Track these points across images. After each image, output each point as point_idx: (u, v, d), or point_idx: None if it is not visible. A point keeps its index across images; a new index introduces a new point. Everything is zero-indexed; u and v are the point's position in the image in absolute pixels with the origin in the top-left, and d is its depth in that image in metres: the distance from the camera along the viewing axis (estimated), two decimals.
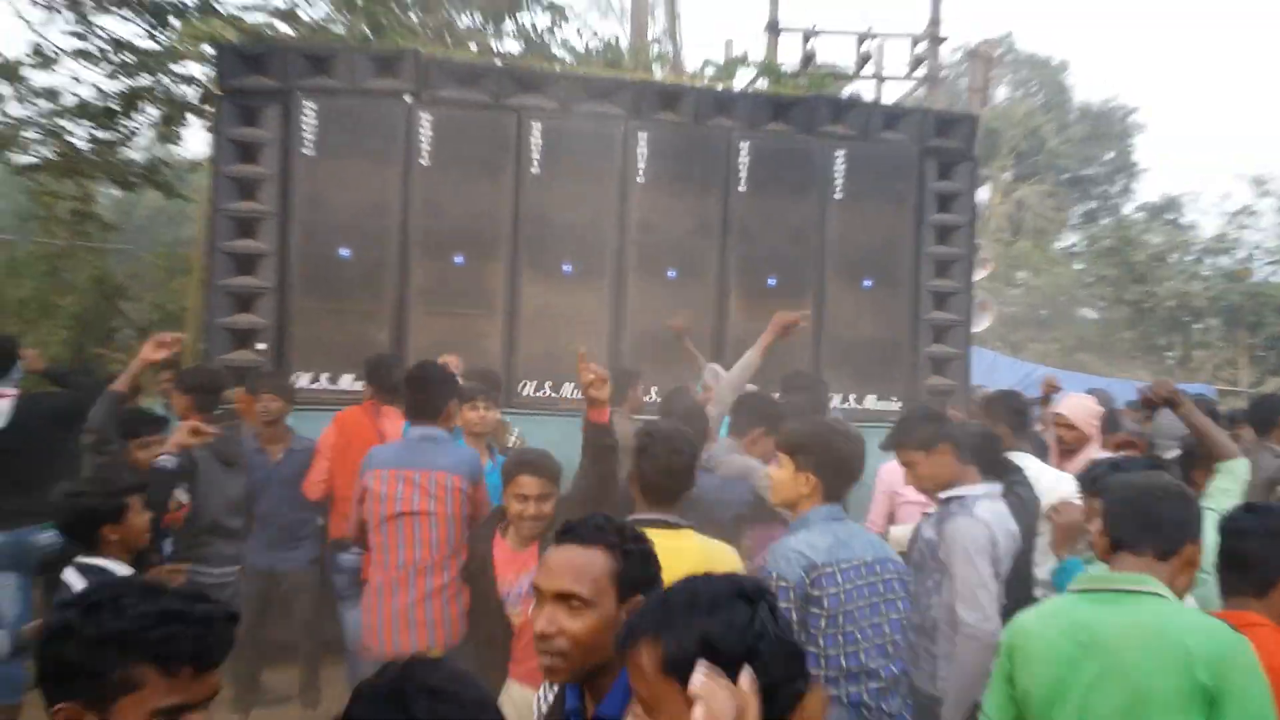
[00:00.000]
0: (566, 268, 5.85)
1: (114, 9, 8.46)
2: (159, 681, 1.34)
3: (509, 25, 9.47)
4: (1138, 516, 2.11)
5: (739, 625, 1.32)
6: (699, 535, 2.68)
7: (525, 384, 5.73)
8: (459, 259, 5.72)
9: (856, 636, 2.51)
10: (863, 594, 2.55)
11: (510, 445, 4.82)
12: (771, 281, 6.11)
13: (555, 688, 1.84)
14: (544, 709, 1.87)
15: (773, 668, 1.30)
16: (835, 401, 5.94)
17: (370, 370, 4.92)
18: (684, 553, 2.48)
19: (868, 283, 6.26)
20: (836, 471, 2.66)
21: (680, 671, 1.28)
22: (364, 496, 3.60)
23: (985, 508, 3.07)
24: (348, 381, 5.57)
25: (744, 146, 6.07)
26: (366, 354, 5.54)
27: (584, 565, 1.70)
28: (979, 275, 8.31)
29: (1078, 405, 4.52)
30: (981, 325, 9.91)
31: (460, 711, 1.28)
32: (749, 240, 6.07)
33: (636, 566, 1.74)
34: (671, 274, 5.97)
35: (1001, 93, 27.93)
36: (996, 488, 3.24)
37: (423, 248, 5.69)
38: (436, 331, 5.68)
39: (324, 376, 5.55)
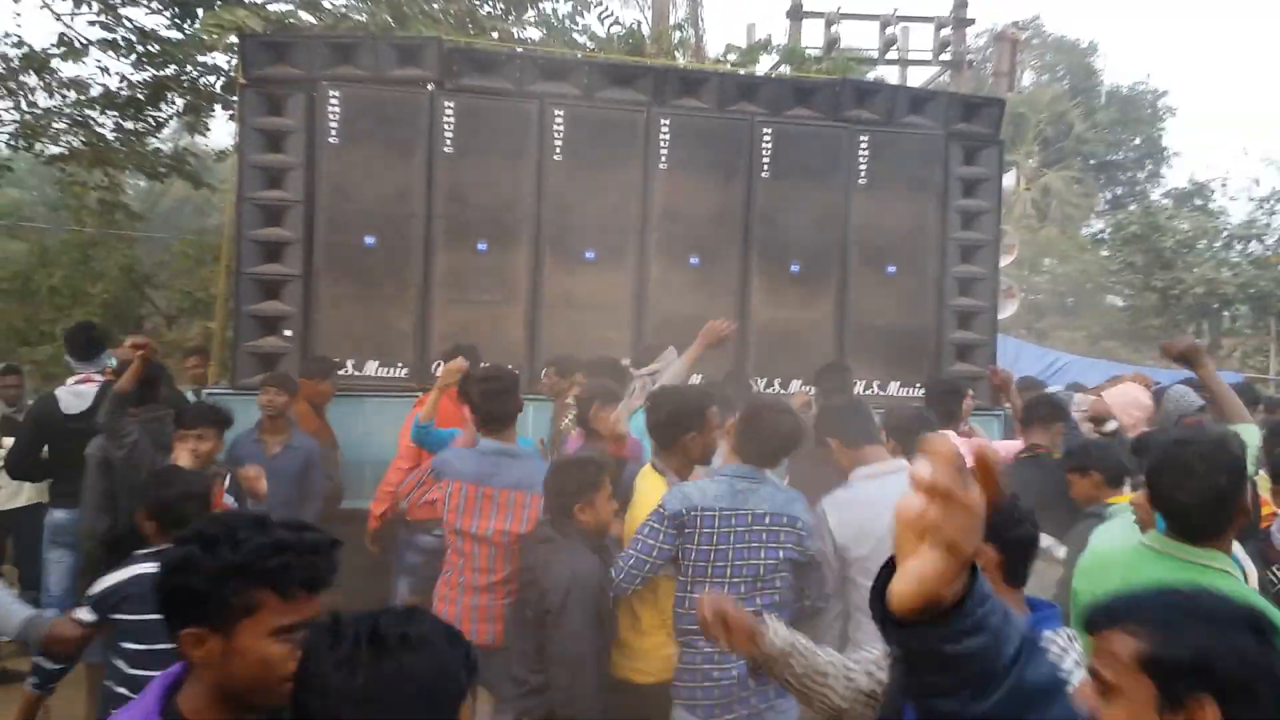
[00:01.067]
0: (589, 254, 5.85)
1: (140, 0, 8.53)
2: (276, 604, 1.46)
3: (530, 13, 9.47)
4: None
5: (1244, 653, 1.24)
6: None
7: (548, 370, 5.74)
8: (482, 246, 5.74)
9: (726, 571, 3.04)
10: (741, 539, 3.06)
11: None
12: (795, 268, 6.08)
13: None
14: None
15: (1265, 707, 1.23)
16: (859, 388, 5.92)
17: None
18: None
19: (892, 269, 6.22)
20: (754, 439, 3.15)
21: (1159, 673, 1.25)
22: (435, 498, 3.70)
23: (857, 488, 3.39)
24: (373, 368, 5.62)
25: (767, 132, 6.04)
26: (391, 340, 5.61)
27: None
28: (1004, 261, 8.24)
29: (1119, 394, 4.49)
30: (1007, 312, 9.85)
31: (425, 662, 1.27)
32: (772, 226, 6.05)
33: None
34: (694, 260, 5.96)
35: (1028, 77, 27.60)
36: (895, 465, 3.42)
37: (446, 235, 5.72)
38: (460, 318, 5.72)
39: (349, 363, 5.59)
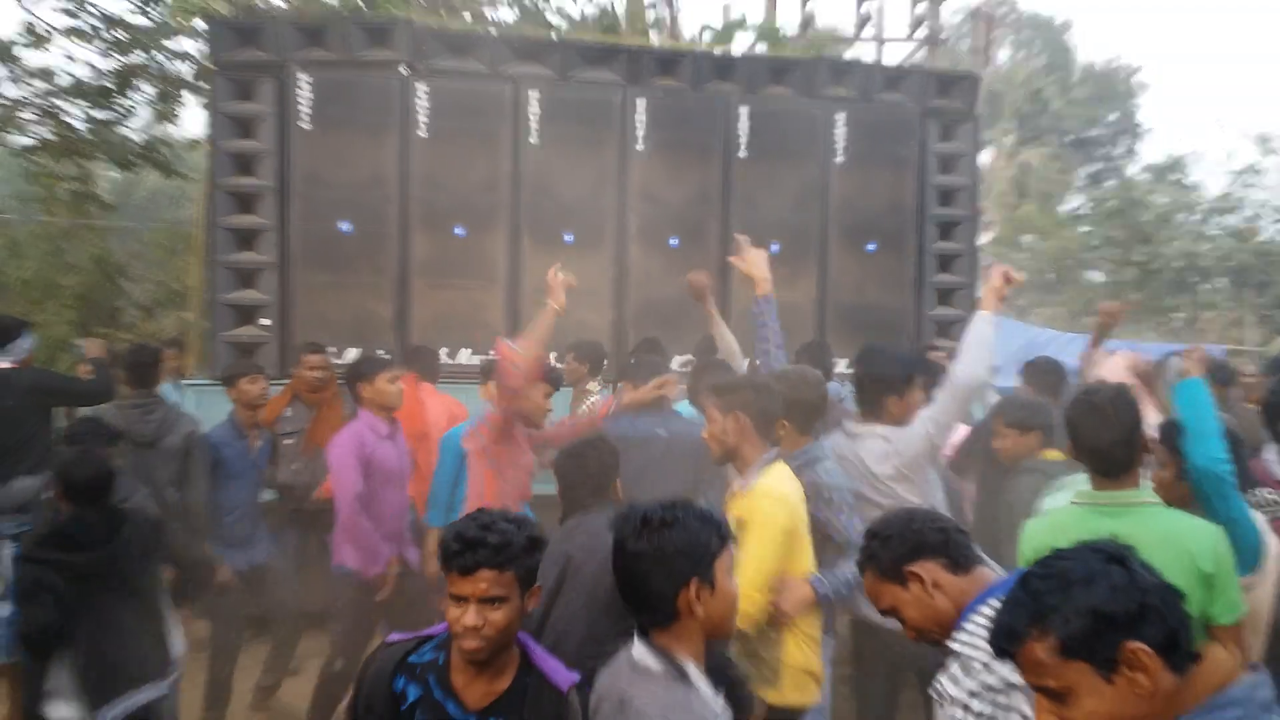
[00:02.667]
0: (568, 237, 5.82)
1: None
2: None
3: None
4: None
5: (1123, 586, 1.32)
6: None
7: (569, 357, 5.72)
8: (459, 230, 5.70)
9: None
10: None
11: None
12: (775, 247, 6.04)
13: None
14: None
15: (1169, 616, 1.31)
16: (840, 366, 5.92)
17: (410, 357, 5.07)
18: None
19: (871, 246, 6.22)
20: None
21: (1083, 651, 1.31)
22: None
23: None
24: (352, 355, 5.56)
25: (744, 111, 6.01)
26: (370, 327, 5.56)
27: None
28: (983, 238, 8.26)
29: (1112, 366, 4.51)
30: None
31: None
32: (751, 206, 6.03)
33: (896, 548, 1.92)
34: (673, 242, 5.93)
35: (1004, 54, 27.63)
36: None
37: (423, 220, 5.67)
38: (439, 304, 5.68)
39: (328, 350, 5.53)
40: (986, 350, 3.38)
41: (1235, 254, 17.91)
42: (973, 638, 1.78)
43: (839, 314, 6.14)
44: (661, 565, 1.82)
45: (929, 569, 1.85)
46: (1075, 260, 20.86)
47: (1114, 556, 1.36)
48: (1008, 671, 1.67)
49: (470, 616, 1.83)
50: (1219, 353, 10.66)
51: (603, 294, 5.85)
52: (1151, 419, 3.99)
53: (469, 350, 5.67)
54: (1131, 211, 19.39)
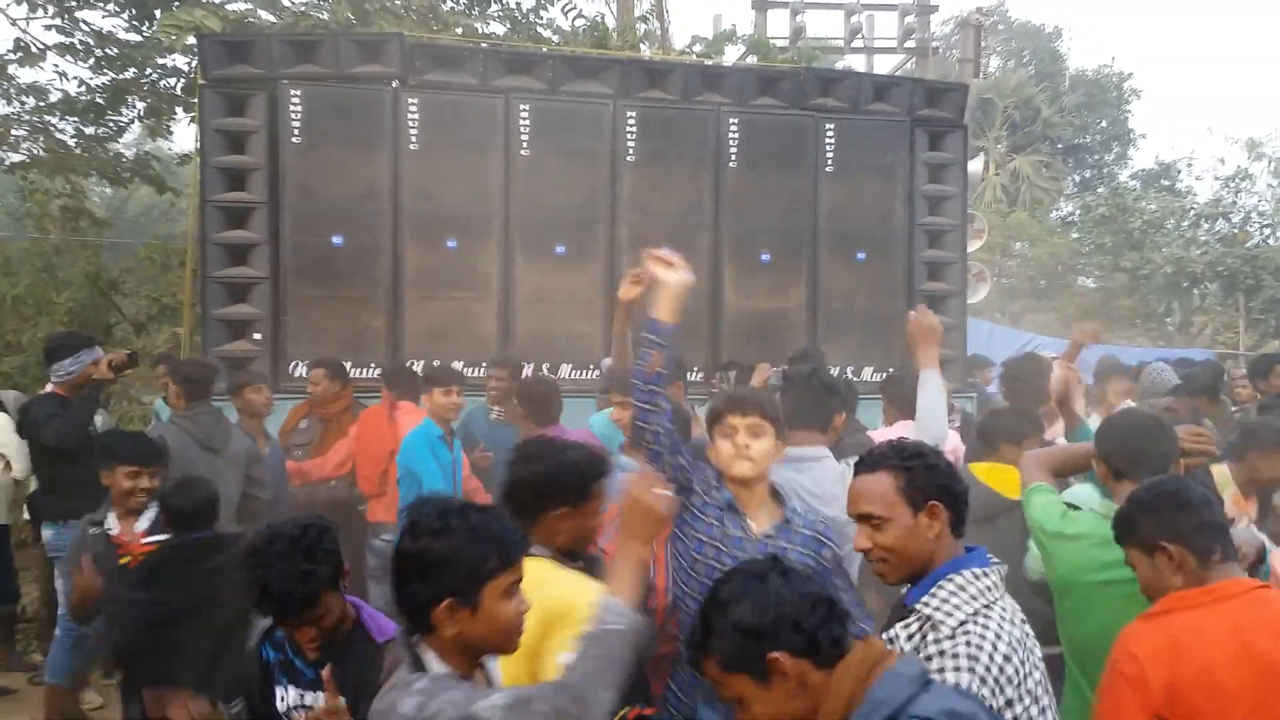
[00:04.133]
0: (559, 249, 5.84)
1: (96, 2, 8.40)
2: (504, 570, 1.74)
3: (494, 7, 9.41)
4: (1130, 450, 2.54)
5: (761, 602, 1.52)
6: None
7: (521, 366, 5.72)
8: (451, 243, 5.72)
9: None
10: None
11: None
12: (765, 257, 6.10)
13: None
14: None
15: (805, 621, 1.50)
16: (832, 374, 5.93)
17: (389, 378, 5.18)
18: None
19: (861, 255, 6.25)
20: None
21: (739, 665, 1.52)
22: None
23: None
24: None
25: (733, 122, 6.05)
26: (361, 340, 5.57)
27: (874, 490, 1.94)
28: (973, 245, 8.30)
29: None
30: (978, 296, 9.91)
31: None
32: (741, 216, 6.06)
33: (922, 482, 1.93)
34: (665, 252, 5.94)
35: (994, 63, 27.76)
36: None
37: (415, 233, 5.69)
38: (431, 315, 5.70)
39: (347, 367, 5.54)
40: (940, 413, 3.39)
41: (1225, 259, 17.97)
42: (944, 603, 1.85)
43: (829, 322, 6.16)
44: (423, 573, 1.68)
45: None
46: (1066, 267, 20.91)
47: (762, 574, 1.56)
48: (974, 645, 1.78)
49: None
50: (1210, 356, 10.72)
51: (594, 305, 5.86)
52: (1056, 430, 4.01)
53: (461, 362, 5.68)
54: (1122, 218, 19.46)
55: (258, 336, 5.52)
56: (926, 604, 1.84)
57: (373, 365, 5.60)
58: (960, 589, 1.84)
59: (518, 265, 5.79)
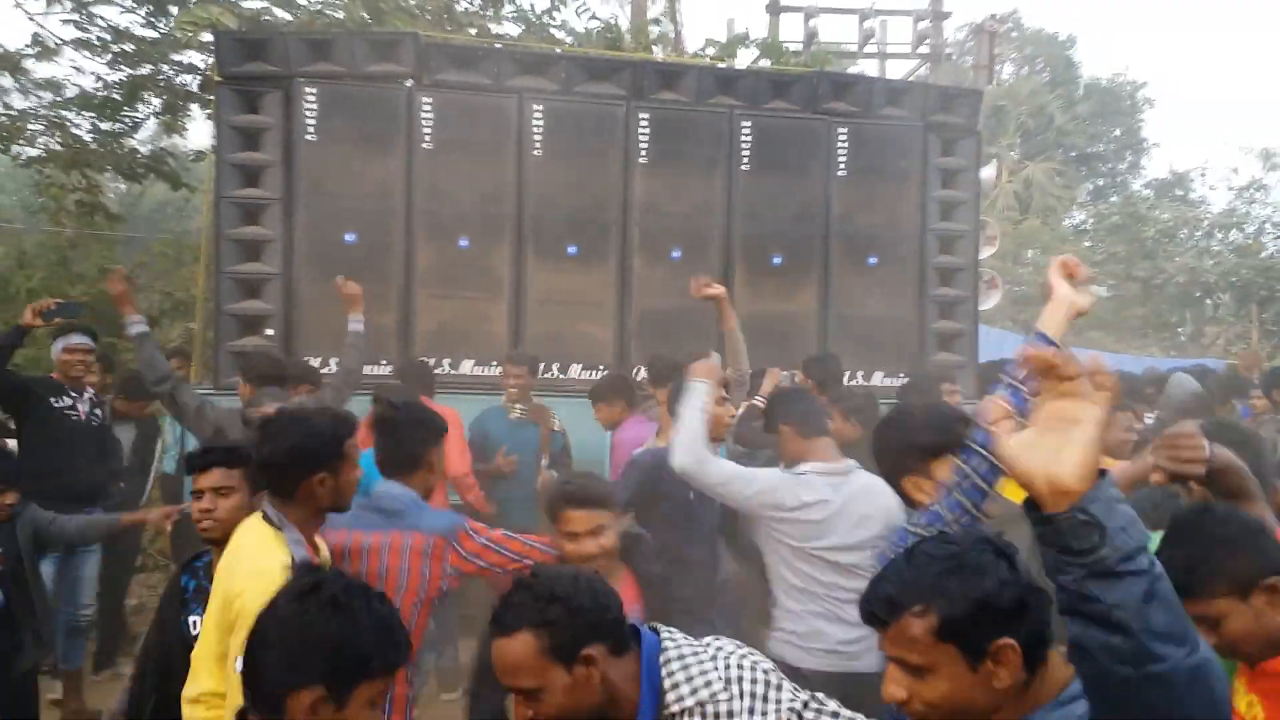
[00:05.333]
0: (571, 249, 5.85)
1: None
2: (385, 676, 1.63)
3: (508, 8, 9.45)
4: None
5: (1009, 581, 1.36)
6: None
7: (540, 363, 5.74)
8: (464, 242, 5.73)
9: None
10: None
11: (555, 430, 5.08)
12: (776, 260, 6.10)
13: None
14: None
15: (1037, 618, 1.36)
16: (844, 379, 5.93)
17: (402, 372, 5.16)
18: None
19: (873, 260, 6.24)
20: None
21: (957, 636, 1.34)
22: None
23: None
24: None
25: (746, 125, 6.05)
26: (374, 337, 5.57)
27: (512, 659, 1.64)
28: (985, 252, 8.27)
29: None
30: (990, 303, 9.86)
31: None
32: (753, 219, 6.06)
33: (565, 629, 1.65)
34: (676, 254, 5.96)
35: (1007, 70, 27.72)
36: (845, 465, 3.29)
37: (427, 231, 5.70)
38: (442, 314, 5.71)
39: (332, 361, 5.56)
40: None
41: (1239, 269, 17.91)
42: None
43: (841, 327, 6.15)
44: (301, 649, 1.53)
45: None
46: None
47: (1001, 551, 1.40)
48: None
49: (204, 503, 2.55)
50: (1222, 366, 10.66)
51: (606, 306, 5.88)
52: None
53: (472, 361, 5.69)
54: (1135, 227, 19.41)
55: (270, 332, 5.54)
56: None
57: (383, 363, 5.62)
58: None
59: (529, 265, 5.80)
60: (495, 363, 5.61)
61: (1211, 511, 1.90)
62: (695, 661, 1.74)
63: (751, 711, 1.68)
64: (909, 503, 2.36)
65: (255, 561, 2.23)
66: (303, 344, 5.54)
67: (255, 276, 5.55)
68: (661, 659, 1.73)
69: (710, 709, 1.69)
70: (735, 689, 1.71)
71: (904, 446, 2.30)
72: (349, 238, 5.61)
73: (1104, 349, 15.74)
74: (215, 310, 5.65)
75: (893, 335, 6.24)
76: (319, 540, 2.53)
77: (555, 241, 5.83)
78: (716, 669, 1.73)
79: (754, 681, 1.73)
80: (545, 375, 5.72)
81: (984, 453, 2.06)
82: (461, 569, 2.70)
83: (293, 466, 2.37)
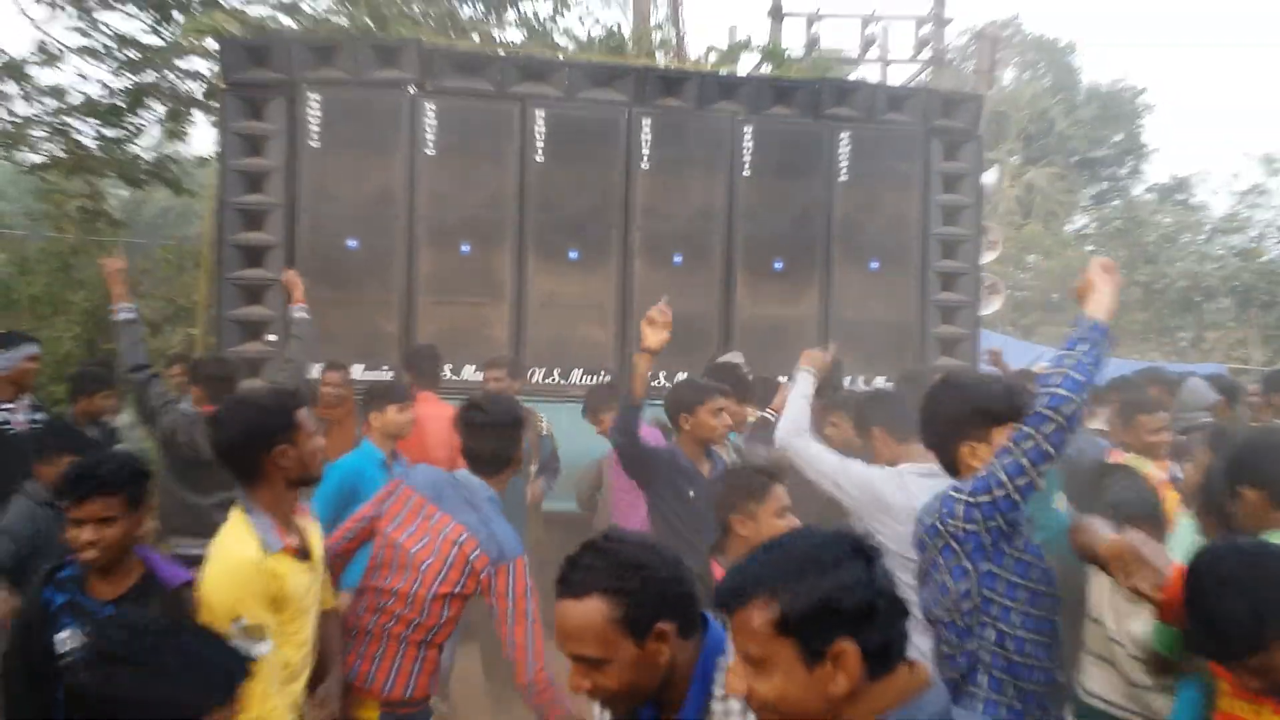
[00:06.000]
0: (573, 254, 5.86)
1: (117, 5, 8.49)
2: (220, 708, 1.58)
3: (511, 14, 9.48)
4: None
5: (857, 581, 1.30)
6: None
7: (534, 371, 5.75)
8: (465, 247, 5.75)
9: None
10: None
11: (544, 435, 5.04)
12: (778, 265, 6.11)
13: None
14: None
15: (886, 626, 1.31)
16: (845, 382, 5.94)
17: (410, 359, 5.08)
18: None
19: (874, 264, 6.25)
20: None
21: (796, 631, 1.29)
22: None
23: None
24: (358, 371, 5.60)
25: (748, 131, 6.06)
26: (375, 343, 5.60)
27: (581, 623, 1.55)
28: (987, 257, 8.27)
29: None
30: (991, 308, 9.83)
31: None
32: (754, 224, 6.07)
33: (642, 603, 1.57)
34: (677, 259, 5.97)
35: (1008, 75, 27.74)
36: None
37: (429, 237, 5.72)
38: (444, 320, 5.72)
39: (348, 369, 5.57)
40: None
41: (1240, 274, 17.91)
42: None
43: (842, 331, 6.14)
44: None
45: None
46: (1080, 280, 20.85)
47: (862, 551, 1.35)
48: None
49: (86, 534, 2.37)
50: (1221, 371, 10.65)
51: (607, 310, 5.89)
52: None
53: (473, 366, 5.70)
54: (1136, 231, 19.42)
55: (272, 338, 5.55)
56: None
57: (385, 368, 5.63)
58: None
59: (531, 270, 5.81)
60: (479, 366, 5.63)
61: (1260, 555, 1.81)
62: None
63: None
64: (955, 470, 2.34)
65: (218, 549, 2.39)
66: None
67: (257, 282, 5.56)
68: (720, 656, 1.66)
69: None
70: None
71: (969, 411, 2.28)
72: (351, 243, 5.63)
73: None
74: (217, 316, 5.66)
75: (894, 340, 6.24)
76: (302, 521, 2.55)
77: (557, 246, 5.84)
78: None
79: None
80: (547, 380, 5.73)
81: (1056, 416, 2.09)
82: (476, 590, 2.71)
83: (250, 446, 2.41)
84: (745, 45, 10.02)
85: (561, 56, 7.74)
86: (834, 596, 1.28)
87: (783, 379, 5.42)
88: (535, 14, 9.38)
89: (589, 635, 1.54)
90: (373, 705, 2.69)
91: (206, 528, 2.67)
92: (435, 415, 4.62)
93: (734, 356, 5.21)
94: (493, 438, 2.84)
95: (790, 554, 1.34)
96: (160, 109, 9.35)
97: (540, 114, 5.80)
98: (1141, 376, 5.93)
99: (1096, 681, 2.90)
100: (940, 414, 2.36)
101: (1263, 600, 1.68)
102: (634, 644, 1.55)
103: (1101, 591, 2.89)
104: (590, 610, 1.55)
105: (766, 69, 10.01)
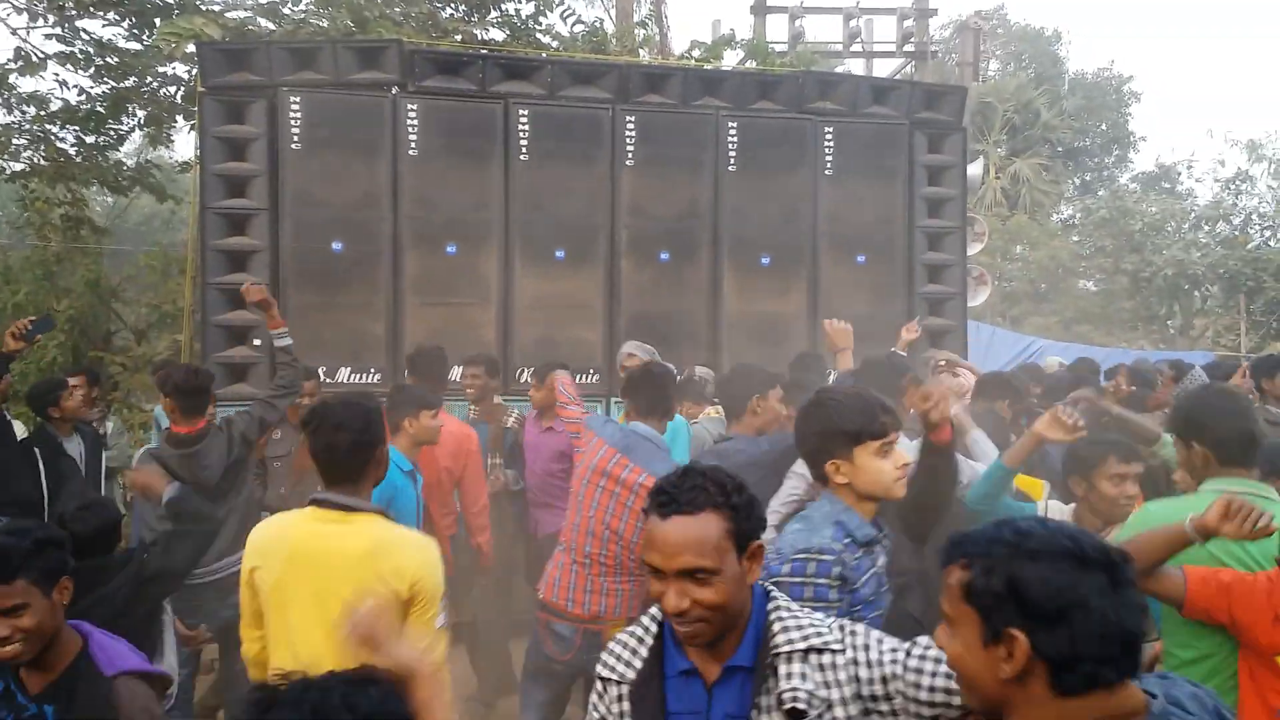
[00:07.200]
0: (559, 254, 5.84)
1: (96, 11, 8.43)
2: None
3: (493, 14, 9.43)
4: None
5: (1057, 582, 1.25)
6: (380, 524, 2.50)
7: (522, 370, 5.73)
8: (451, 249, 5.72)
9: None
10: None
11: (508, 426, 5.03)
12: (765, 260, 6.10)
13: (644, 648, 1.79)
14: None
15: (1081, 642, 1.24)
16: (831, 378, 5.93)
17: (413, 361, 4.92)
18: (345, 542, 2.43)
19: (861, 258, 6.25)
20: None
21: (980, 603, 1.30)
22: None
23: None
24: (345, 375, 5.58)
25: (732, 126, 6.05)
26: (363, 346, 5.56)
27: (698, 535, 1.63)
28: (973, 249, 8.29)
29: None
30: (979, 299, 9.89)
31: None
32: (740, 220, 6.06)
33: (747, 518, 1.69)
34: (664, 256, 5.96)
35: (993, 66, 27.81)
36: None
37: (414, 239, 5.69)
38: (432, 322, 5.70)
39: (320, 370, 5.54)
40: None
41: (1226, 261, 17.98)
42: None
43: None
44: None
45: None
46: (1066, 270, 20.91)
47: (1082, 555, 1.28)
48: None
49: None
50: (1210, 359, 10.70)
51: (594, 309, 5.87)
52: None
53: (462, 368, 5.67)
54: (1122, 220, 19.48)
55: (258, 343, 5.52)
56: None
57: (372, 371, 5.60)
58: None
59: (517, 270, 5.79)
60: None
61: None
62: (804, 613, 1.74)
63: (856, 663, 1.67)
64: (825, 484, 2.42)
65: (423, 538, 2.54)
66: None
67: (241, 287, 5.51)
68: (770, 605, 1.73)
69: (819, 658, 1.67)
70: (848, 640, 1.70)
71: (832, 431, 2.33)
72: (336, 246, 5.60)
73: (1093, 343, 15.79)
74: (202, 322, 5.62)
75: (882, 332, 6.23)
76: None
77: (543, 246, 5.82)
78: (825, 622, 1.73)
79: (864, 635, 1.72)
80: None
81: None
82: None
83: (361, 453, 2.50)
84: (729, 41, 10.01)
85: (544, 55, 7.71)
86: (1024, 585, 1.26)
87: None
88: (517, 13, 9.34)
89: (707, 546, 1.62)
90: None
91: None
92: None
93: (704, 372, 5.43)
94: (661, 390, 3.68)
95: (1011, 535, 1.33)
96: (141, 115, 9.29)
97: (523, 113, 5.78)
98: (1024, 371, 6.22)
99: None
100: (808, 432, 2.41)
101: None
102: (737, 559, 1.65)
103: None
104: (707, 523, 1.63)
105: (750, 64, 10.00)
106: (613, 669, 1.79)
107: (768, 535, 2.09)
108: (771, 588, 1.81)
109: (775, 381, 3.97)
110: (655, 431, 3.59)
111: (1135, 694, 1.29)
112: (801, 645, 1.66)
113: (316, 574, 2.39)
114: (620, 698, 1.76)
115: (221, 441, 4.06)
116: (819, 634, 1.68)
